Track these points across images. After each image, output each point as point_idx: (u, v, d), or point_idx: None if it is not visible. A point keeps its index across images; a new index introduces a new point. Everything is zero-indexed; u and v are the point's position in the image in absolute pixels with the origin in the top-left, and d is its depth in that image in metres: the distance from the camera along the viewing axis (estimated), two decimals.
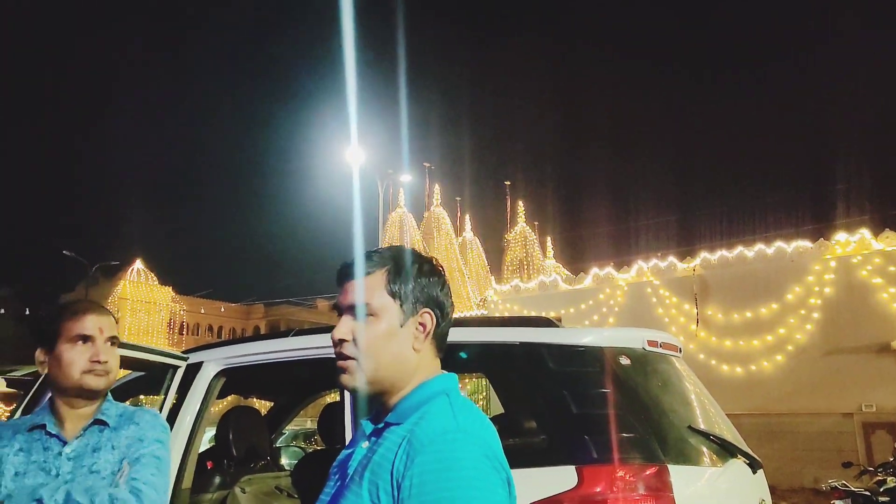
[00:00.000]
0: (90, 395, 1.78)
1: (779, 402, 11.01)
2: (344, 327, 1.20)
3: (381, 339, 1.18)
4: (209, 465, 3.49)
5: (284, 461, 4.44)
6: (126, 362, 2.82)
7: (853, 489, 8.00)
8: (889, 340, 10.79)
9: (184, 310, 44.35)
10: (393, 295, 1.20)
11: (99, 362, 1.78)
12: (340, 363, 1.19)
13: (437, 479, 1.03)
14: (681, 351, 2.78)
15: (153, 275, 40.83)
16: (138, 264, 40.10)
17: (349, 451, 1.24)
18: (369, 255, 1.24)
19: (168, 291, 41.81)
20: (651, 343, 2.48)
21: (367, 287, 1.21)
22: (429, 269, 1.24)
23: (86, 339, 1.78)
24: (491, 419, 3.31)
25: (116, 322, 1.93)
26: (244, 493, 3.09)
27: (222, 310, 51.73)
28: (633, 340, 2.43)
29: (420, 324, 1.21)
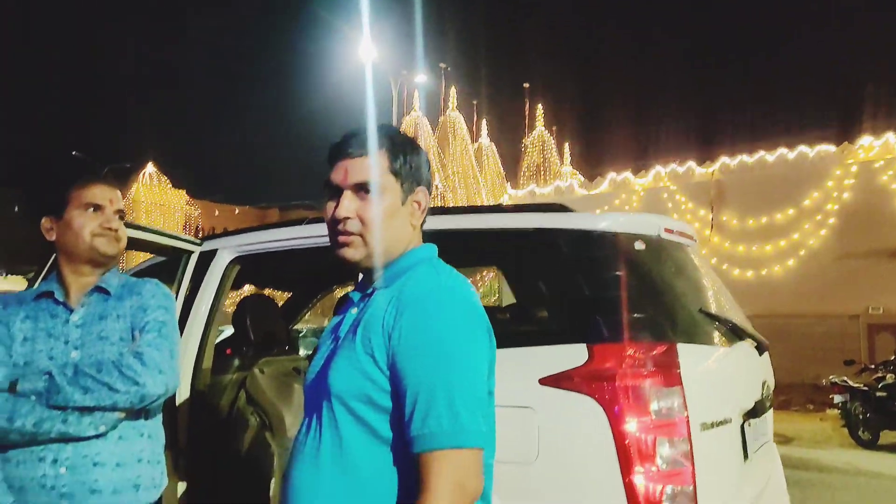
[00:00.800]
0: (101, 260, 1.80)
1: (787, 305, 11.15)
2: (349, 205, 1.23)
3: (386, 217, 1.24)
4: (228, 352, 3.59)
5: (302, 352, 4.57)
6: (139, 245, 2.85)
7: (852, 384, 8.23)
8: None
9: (198, 212, 44.61)
10: (394, 174, 1.26)
11: (110, 229, 1.79)
12: (343, 238, 1.23)
13: (425, 325, 1.13)
14: (696, 240, 2.76)
15: (166, 178, 40.75)
16: (150, 167, 39.96)
17: (338, 318, 1.30)
18: (365, 136, 1.26)
19: (182, 195, 41.80)
20: (667, 230, 2.45)
21: (370, 166, 1.24)
22: (418, 147, 1.31)
23: (96, 207, 1.79)
24: (504, 308, 3.38)
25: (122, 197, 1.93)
26: (263, 373, 3.19)
27: (237, 212, 52.11)
28: (650, 227, 2.41)
29: (416, 202, 1.29)
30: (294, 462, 1.22)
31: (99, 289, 1.80)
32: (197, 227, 44.35)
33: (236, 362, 3.42)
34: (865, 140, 11.52)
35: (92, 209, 1.79)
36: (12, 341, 1.71)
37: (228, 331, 3.93)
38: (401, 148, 1.27)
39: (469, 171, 24.31)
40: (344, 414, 1.16)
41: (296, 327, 4.90)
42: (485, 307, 1.26)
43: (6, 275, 41.49)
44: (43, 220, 1.82)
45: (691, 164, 13.04)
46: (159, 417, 1.85)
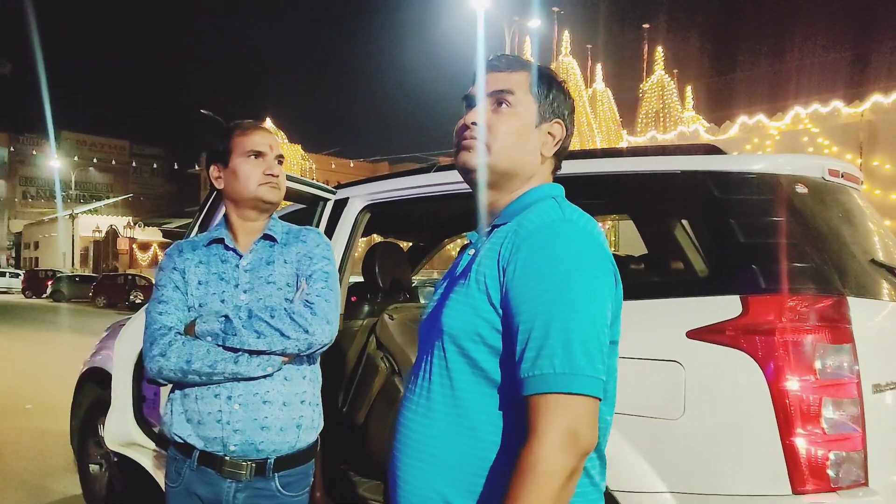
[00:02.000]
0: (265, 207, 1.86)
1: None
2: (480, 112, 1.19)
3: (515, 131, 1.19)
4: (353, 300, 3.69)
5: (423, 300, 4.63)
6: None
7: None
8: None
9: (314, 166, 46.30)
10: (534, 96, 1.21)
11: (273, 175, 1.84)
12: (466, 142, 1.18)
13: (542, 258, 1.05)
14: (863, 183, 2.48)
15: (283, 132, 42.44)
16: (269, 122, 41.64)
17: (457, 260, 1.25)
18: (513, 57, 1.23)
19: (297, 149, 43.45)
20: (832, 172, 2.21)
21: (510, 80, 1.20)
22: (563, 87, 1.26)
23: (258, 154, 1.84)
24: (637, 258, 3.23)
25: None
26: (392, 319, 3.25)
27: (352, 165, 53.52)
28: (812, 168, 2.18)
29: (550, 133, 1.22)
30: (405, 404, 1.21)
31: (266, 236, 1.87)
32: (313, 180, 45.76)
33: (366, 308, 3.51)
34: None
35: (254, 156, 1.83)
36: (188, 285, 1.81)
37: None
38: (546, 77, 1.23)
39: (583, 118, 23.44)
40: (455, 355, 1.11)
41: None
42: (615, 256, 1.17)
43: (144, 226, 45.39)
44: (211, 169, 1.88)
45: (837, 103, 11.85)
46: (318, 362, 1.92)
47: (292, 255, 1.84)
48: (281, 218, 1.96)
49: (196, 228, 2.63)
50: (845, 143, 11.46)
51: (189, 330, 1.75)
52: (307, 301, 1.75)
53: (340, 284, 3.11)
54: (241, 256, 1.84)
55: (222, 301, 1.78)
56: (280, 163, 1.89)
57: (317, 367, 1.91)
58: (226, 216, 1.90)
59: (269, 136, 1.88)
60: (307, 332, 1.71)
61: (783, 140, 12.34)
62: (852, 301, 1.84)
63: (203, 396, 1.73)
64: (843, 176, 2.28)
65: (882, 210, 11.05)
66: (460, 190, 2.78)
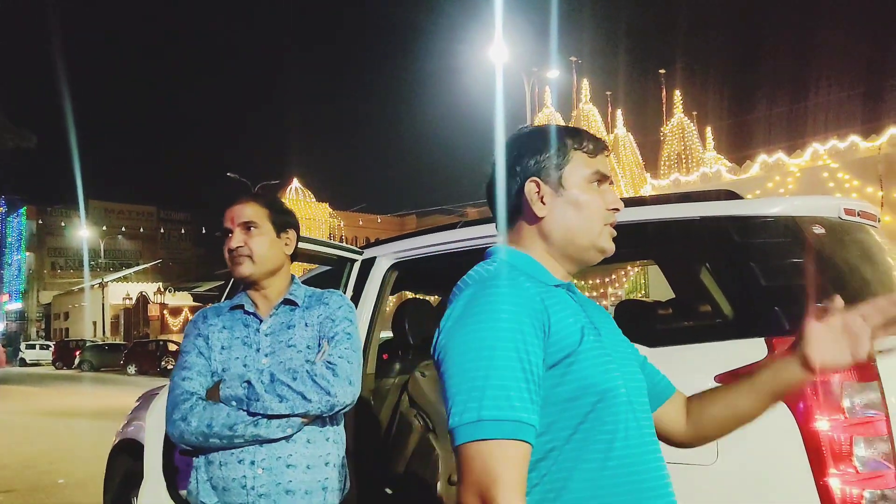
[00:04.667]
0: (245, 281, 1.91)
1: None
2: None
3: None
4: (385, 357, 3.72)
5: None
6: (308, 256, 3.04)
7: None
8: None
9: (341, 223, 46.82)
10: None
11: (231, 250, 1.89)
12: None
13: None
14: (879, 220, 2.53)
15: (310, 192, 43.19)
16: (296, 182, 42.45)
17: (575, 304, 1.18)
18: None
19: (325, 207, 44.14)
20: (848, 211, 2.26)
21: None
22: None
23: (225, 232, 1.91)
24: (664, 303, 3.26)
25: (272, 209, 1.97)
26: (424, 376, 3.26)
27: (378, 220, 54.07)
28: (829, 209, 2.23)
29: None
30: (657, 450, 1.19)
31: (286, 300, 1.92)
32: (341, 237, 46.62)
33: (397, 366, 3.53)
34: None
35: (224, 235, 1.91)
36: (211, 351, 1.85)
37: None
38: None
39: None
40: None
41: None
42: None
43: (174, 291, 45.83)
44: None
45: (854, 138, 11.86)
46: (342, 423, 1.94)
47: (314, 317, 1.88)
48: (310, 279, 2.03)
49: (225, 296, 2.72)
50: (865, 177, 11.41)
51: (212, 394, 1.77)
52: (329, 362, 1.78)
53: (370, 343, 3.17)
54: (261, 321, 1.89)
55: (245, 365, 1.81)
56: (249, 229, 1.89)
57: (341, 429, 1.92)
58: (244, 287, 1.97)
59: (234, 209, 1.91)
60: (329, 393, 1.73)
61: (803, 177, 12.32)
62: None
63: (227, 462, 1.74)
64: (859, 214, 2.33)
65: None
66: (486, 244, 2.87)
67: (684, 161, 22.71)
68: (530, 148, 1.20)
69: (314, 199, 43.36)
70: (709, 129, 24.81)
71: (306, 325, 1.88)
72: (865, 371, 1.82)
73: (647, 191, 15.90)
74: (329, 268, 3.31)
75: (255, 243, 1.89)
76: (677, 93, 24.48)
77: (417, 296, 4.45)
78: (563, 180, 1.18)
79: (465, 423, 0.98)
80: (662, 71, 26.06)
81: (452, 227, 3.12)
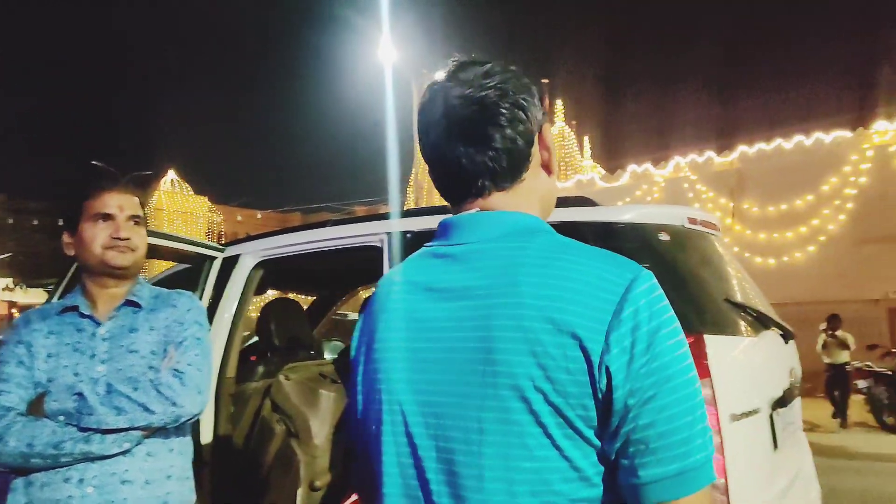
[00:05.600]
0: (116, 272, 1.75)
1: (809, 292, 11.09)
2: None
3: None
4: (252, 359, 3.58)
5: (327, 355, 4.56)
6: (163, 252, 2.85)
7: (876, 369, 8.15)
8: None
9: (221, 219, 44.95)
10: None
11: (120, 238, 1.74)
12: None
13: None
14: (719, 230, 2.73)
15: (188, 185, 41.09)
16: (172, 174, 40.28)
17: None
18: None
19: (204, 201, 42.03)
20: (691, 220, 2.43)
21: None
22: None
23: (106, 216, 1.74)
24: None
25: (143, 204, 1.89)
26: (288, 379, 3.17)
27: (259, 217, 52.36)
28: (674, 217, 2.39)
29: None
30: None
31: (129, 301, 1.76)
32: (220, 233, 44.82)
33: (261, 369, 3.40)
34: (880, 125, 11.40)
35: (101, 219, 1.74)
36: (34, 359, 1.64)
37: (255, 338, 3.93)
38: None
39: None
40: None
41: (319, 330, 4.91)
42: None
43: (26, 287, 42.05)
44: (63, 235, 1.79)
45: (710, 153, 12.92)
46: (189, 432, 1.80)
47: (160, 321, 1.75)
48: (165, 279, 1.90)
49: (56, 298, 2.47)
50: (720, 189, 12.45)
51: (35, 409, 1.58)
52: (176, 370, 1.66)
53: (232, 345, 3.03)
54: (98, 324, 1.71)
55: (76, 374, 1.63)
56: (137, 223, 1.79)
57: (188, 439, 1.78)
58: (82, 282, 1.79)
59: (121, 197, 1.78)
60: (175, 404, 1.60)
61: (668, 187, 13.23)
62: (709, 338, 2.01)
63: (50, 482, 1.55)
64: (700, 223, 2.51)
65: (753, 248, 12.02)
66: (356, 244, 2.83)
67: (563, 168, 23.78)
68: (533, 93, 0.95)
69: (192, 192, 41.30)
70: (587, 139, 26.13)
71: (151, 328, 1.73)
72: (698, 368, 1.95)
73: None
74: (187, 266, 3.13)
75: (140, 237, 1.80)
76: (559, 102, 25.60)
77: (286, 295, 4.32)
78: (544, 135, 0.98)
79: (708, 461, 0.80)
80: (546, 81, 27.17)
81: (322, 225, 3.05)
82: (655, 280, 0.83)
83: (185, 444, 1.77)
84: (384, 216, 2.83)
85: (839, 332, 8.58)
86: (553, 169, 0.99)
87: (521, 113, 0.91)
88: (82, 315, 1.72)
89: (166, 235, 2.77)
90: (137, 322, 1.74)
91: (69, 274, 2.50)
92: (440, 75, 0.95)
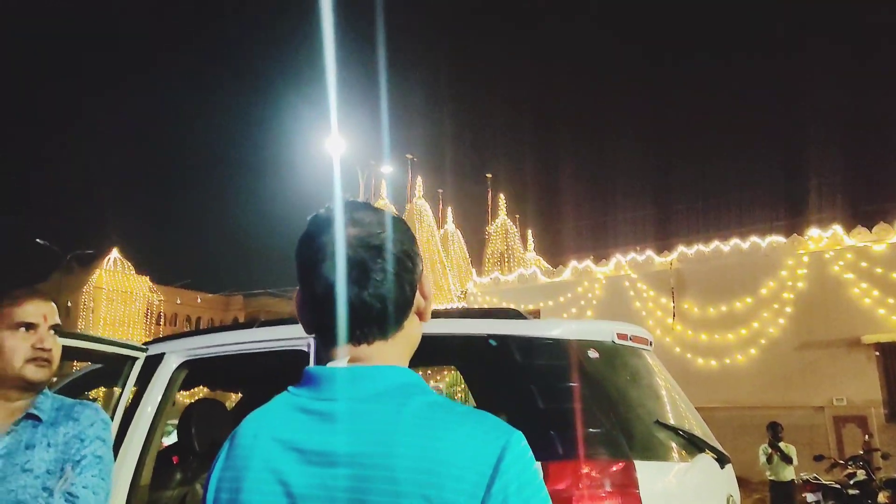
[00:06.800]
0: (30, 386, 1.65)
1: (752, 396, 11.14)
2: None
3: None
4: (175, 460, 3.38)
5: None
6: (82, 354, 2.71)
7: (824, 482, 8.11)
8: (860, 335, 10.95)
9: (161, 299, 43.80)
10: None
11: (43, 349, 1.65)
12: None
13: None
14: (651, 344, 2.74)
15: (130, 264, 40.32)
16: (115, 253, 39.58)
17: None
18: None
19: (145, 281, 41.21)
20: (621, 336, 2.44)
21: None
22: None
23: (29, 326, 1.65)
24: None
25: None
26: None
27: (199, 300, 51.15)
28: (603, 333, 2.39)
29: None
30: None
31: (29, 415, 1.64)
32: (159, 314, 43.47)
33: (178, 476, 3.21)
34: (814, 232, 11.95)
35: (24, 328, 1.65)
36: None
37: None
38: None
39: (436, 257, 24.50)
40: None
41: None
42: None
43: None
44: None
45: (650, 252, 13.32)
46: None
47: (59, 436, 1.63)
48: (83, 376, 1.77)
49: None
50: (659, 288, 12.76)
51: None
52: (70, 493, 1.54)
53: (149, 451, 2.84)
54: None
55: None
56: (56, 333, 1.72)
57: None
58: None
59: (44, 305, 1.70)
60: None
61: (608, 283, 13.50)
62: (639, 465, 1.96)
63: None
64: (631, 339, 2.51)
65: (694, 349, 12.20)
66: (283, 347, 2.74)
67: (507, 260, 24.21)
68: (417, 243, 0.97)
69: (134, 272, 40.55)
70: (530, 232, 26.81)
71: (49, 445, 1.60)
72: (629, 498, 1.89)
73: (470, 286, 16.56)
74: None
75: (58, 348, 1.71)
76: (502, 196, 26.40)
77: (212, 394, 4.13)
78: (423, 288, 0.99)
79: None
80: (489, 176, 28.13)
81: (250, 325, 2.96)
82: (525, 442, 0.84)
83: None
84: None
85: (782, 445, 8.32)
86: (426, 317, 0.99)
87: (409, 262, 0.93)
88: None
89: (86, 336, 2.65)
90: (36, 437, 1.61)
91: None
92: (333, 211, 0.95)
